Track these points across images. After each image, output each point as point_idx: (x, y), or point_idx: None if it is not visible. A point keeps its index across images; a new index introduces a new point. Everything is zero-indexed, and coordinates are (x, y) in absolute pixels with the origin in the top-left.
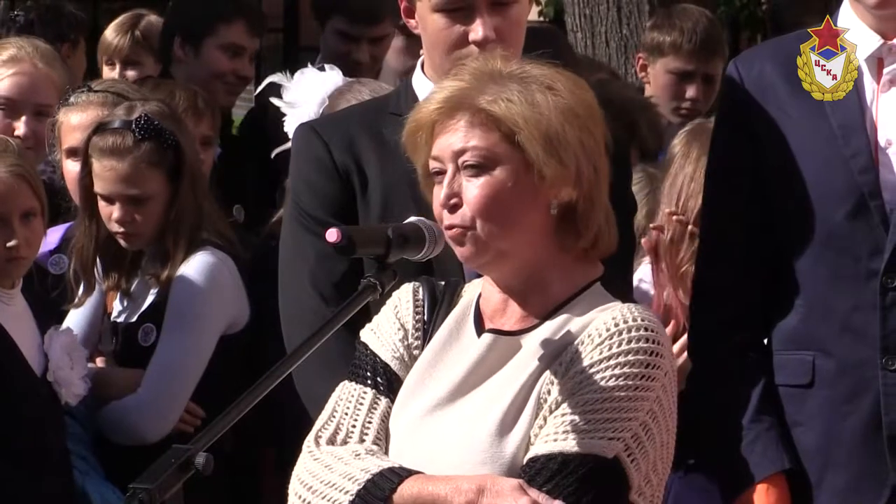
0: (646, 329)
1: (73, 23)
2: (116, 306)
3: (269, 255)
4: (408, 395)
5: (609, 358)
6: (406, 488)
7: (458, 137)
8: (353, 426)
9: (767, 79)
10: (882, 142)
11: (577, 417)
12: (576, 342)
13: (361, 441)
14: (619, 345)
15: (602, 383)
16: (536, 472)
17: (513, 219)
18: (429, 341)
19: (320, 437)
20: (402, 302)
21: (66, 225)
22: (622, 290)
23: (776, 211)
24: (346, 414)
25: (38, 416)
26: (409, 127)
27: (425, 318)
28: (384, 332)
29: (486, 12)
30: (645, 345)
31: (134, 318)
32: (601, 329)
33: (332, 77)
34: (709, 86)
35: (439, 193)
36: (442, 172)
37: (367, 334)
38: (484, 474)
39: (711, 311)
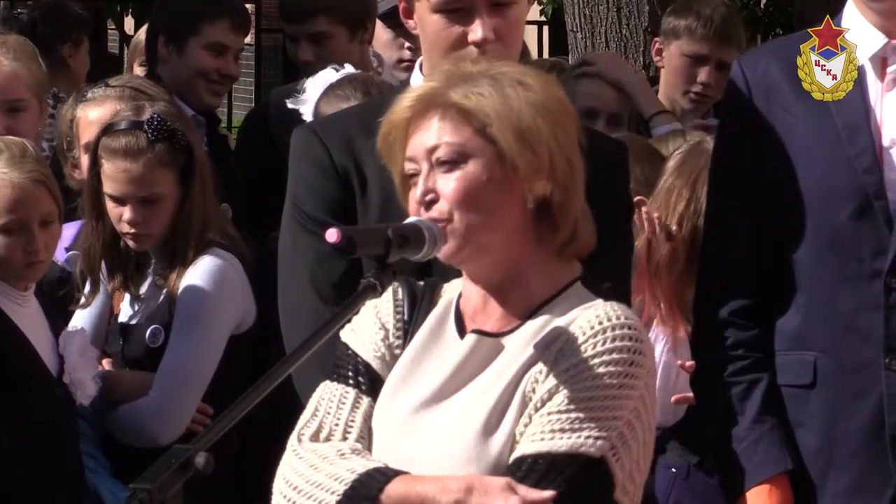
0: (629, 328)
1: (76, 22)
2: (125, 308)
3: (273, 255)
4: (390, 394)
5: (594, 356)
6: (393, 488)
7: (430, 135)
8: (336, 424)
9: (772, 78)
10: (886, 141)
11: (563, 416)
12: (559, 340)
13: (344, 439)
14: (604, 343)
15: (588, 382)
16: (525, 472)
17: (490, 211)
18: (409, 340)
19: (303, 434)
20: (382, 302)
21: (79, 222)
22: (621, 292)
23: (780, 210)
24: (329, 413)
25: (55, 417)
26: (383, 130)
27: (405, 317)
28: (365, 332)
29: (485, 13)
30: (628, 343)
31: (142, 320)
32: (585, 327)
33: (341, 74)
34: (722, 73)
35: (415, 193)
36: (418, 174)
37: (347, 335)
38: (471, 474)
39: (715, 310)
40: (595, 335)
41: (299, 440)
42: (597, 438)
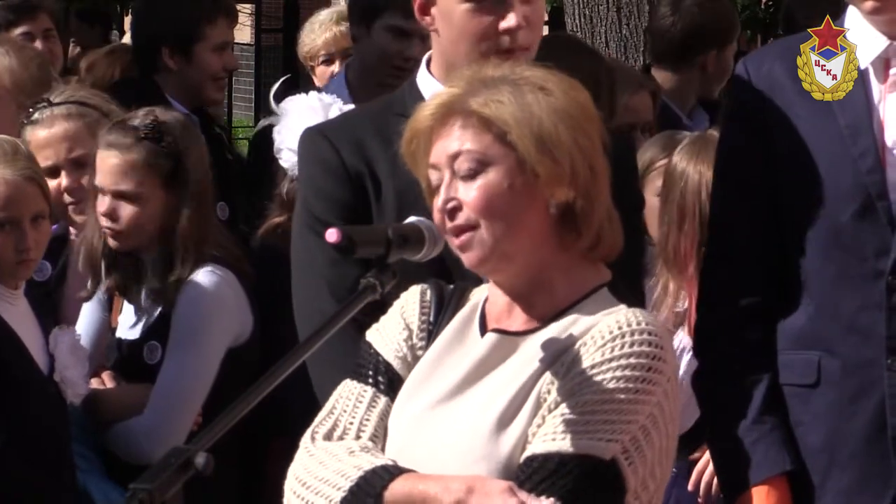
0: (650, 333)
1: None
2: (122, 322)
3: (264, 259)
4: (409, 393)
5: (611, 360)
6: (397, 486)
7: (451, 142)
8: (351, 423)
9: (776, 78)
10: (889, 142)
11: (575, 418)
12: (578, 343)
13: (358, 438)
14: (622, 347)
15: (602, 385)
16: (533, 471)
17: (513, 218)
18: (433, 343)
19: (317, 433)
20: (409, 303)
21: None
22: (632, 291)
23: (783, 210)
24: (345, 411)
25: (49, 416)
26: (406, 136)
27: (431, 319)
28: (388, 332)
29: (517, 0)
30: (648, 349)
31: (139, 336)
32: (604, 332)
33: (311, 100)
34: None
35: (437, 201)
36: (441, 181)
37: (372, 333)
38: (474, 475)
39: (717, 309)
40: (613, 339)
41: (312, 439)
42: (608, 441)
